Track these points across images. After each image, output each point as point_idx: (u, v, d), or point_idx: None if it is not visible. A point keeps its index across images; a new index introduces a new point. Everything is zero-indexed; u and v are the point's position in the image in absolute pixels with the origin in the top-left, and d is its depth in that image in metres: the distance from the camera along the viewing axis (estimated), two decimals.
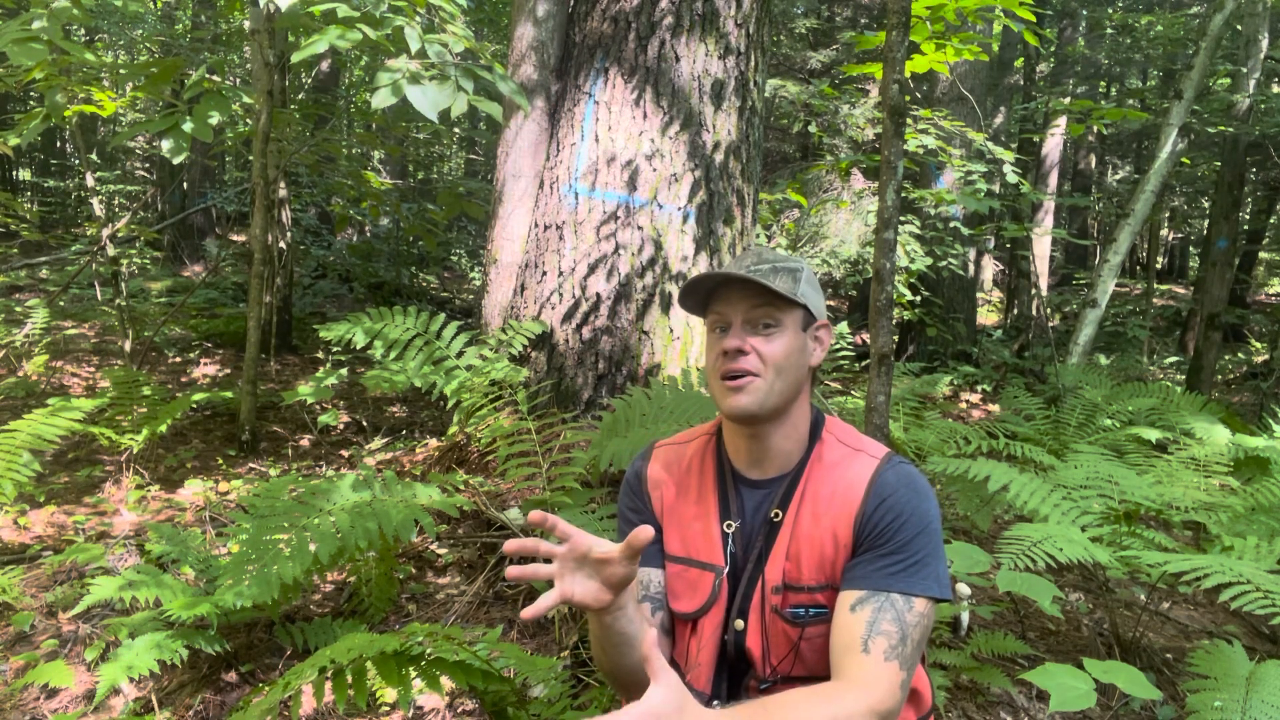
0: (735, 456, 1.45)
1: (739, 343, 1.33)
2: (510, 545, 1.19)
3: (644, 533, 1.15)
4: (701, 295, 1.38)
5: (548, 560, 1.22)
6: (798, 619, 1.35)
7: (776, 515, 1.39)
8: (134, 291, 8.83)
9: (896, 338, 9.22)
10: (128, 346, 5.39)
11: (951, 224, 8.37)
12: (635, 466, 1.55)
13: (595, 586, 1.22)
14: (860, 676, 1.23)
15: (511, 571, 1.19)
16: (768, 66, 4.66)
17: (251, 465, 4.43)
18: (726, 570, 1.40)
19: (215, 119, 3.44)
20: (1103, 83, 15.43)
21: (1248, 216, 13.40)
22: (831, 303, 11.67)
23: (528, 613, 1.14)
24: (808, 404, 1.43)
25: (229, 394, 4.66)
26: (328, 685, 1.72)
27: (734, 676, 1.42)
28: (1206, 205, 15.21)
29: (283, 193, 6.06)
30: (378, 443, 4.71)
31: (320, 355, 7.03)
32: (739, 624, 1.39)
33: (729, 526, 1.42)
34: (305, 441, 4.88)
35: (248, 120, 5.63)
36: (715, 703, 1.38)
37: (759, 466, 1.42)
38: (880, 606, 1.27)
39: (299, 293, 8.92)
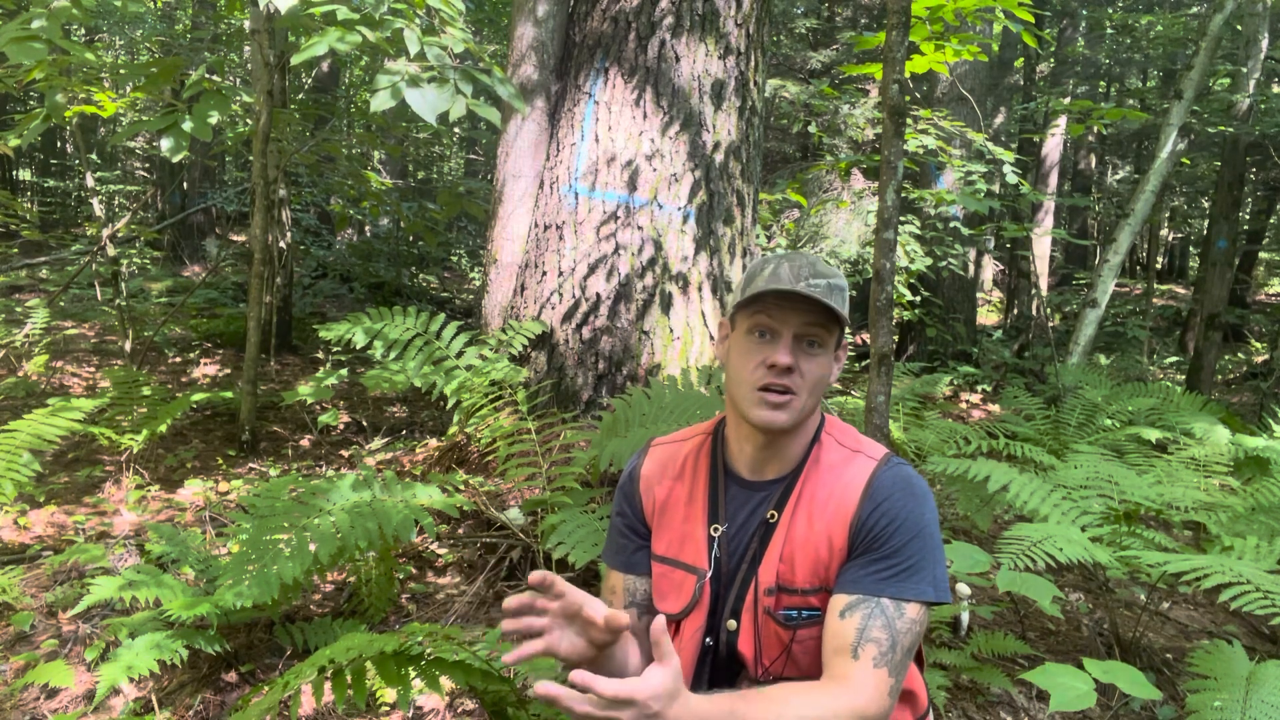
0: (737, 459, 1.44)
1: (790, 359, 1.30)
2: (509, 603, 1.21)
3: (621, 618, 1.18)
4: (759, 295, 1.32)
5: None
6: (790, 621, 1.35)
7: (772, 516, 1.38)
8: (134, 291, 8.82)
9: (896, 338, 9.22)
10: (128, 346, 5.39)
11: (951, 224, 8.37)
12: (631, 465, 1.55)
13: (582, 644, 1.23)
14: (848, 680, 1.23)
15: (508, 658, 1.20)
16: (768, 66, 4.67)
17: (251, 465, 4.43)
18: (710, 574, 1.40)
19: (215, 118, 3.44)
20: (1103, 83, 15.43)
21: (1248, 216, 13.40)
22: None
23: (509, 658, 1.16)
24: (818, 411, 1.44)
25: (229, 394, 4.66)
26: (327, 685, 1.72)
27: (725, 678, 1.42)
28: (1206, 205, 15.22)
29: (283, 193, 6.06)
30: (378, 443, 4.71)
31: (320, 355, 7.03)
32: (731, 624, 1.39)
33: (715, 530, 1.41)
34: (305, 441, 4.88)
35: (248, 120, 5.63)
36: None
37: (761, 470, 1.41)
38: (870, 613, 1.26)
39: (299, 293, 8.92)
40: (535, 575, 1.20)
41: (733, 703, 1.15)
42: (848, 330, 1.44)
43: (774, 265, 1.35)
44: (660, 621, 1.10)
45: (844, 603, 1.28)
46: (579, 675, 1.04)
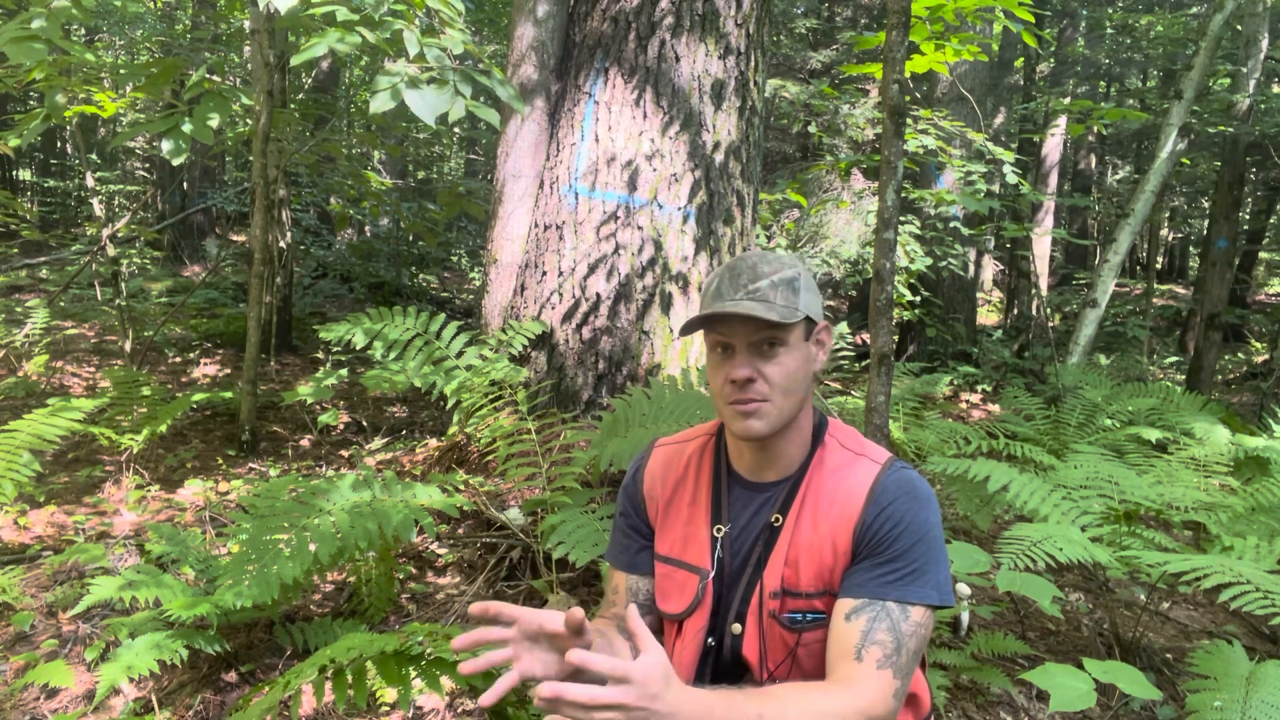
0: (738, 462, 1.45)
1: (748, 371, 1.30)
2: (458, 642, 1.15)
3: (576, 613, 1.14)
4: (701, 320, 1.33)
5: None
6: (795, 624, 1.35)
7: (777, 520, 1.38)
8: (134, 291, 8.83)
9: (896, 338, 9.22)
10: (128, 346, 5.39)
11: (951, 224, 8.37)
12: (634, 465, 1.56)
13: (554, 659, 1.19)
14: (853, 681, 1.23)
15: (464, 667, 1.14)
16: (768, 66, 4.66)
17: (251, 465, 4.43)
18: (712, 575, 1.40)
19: (215, 120, 3.43)
20: (1103, 83, 15.42)
21: (1248, 216, 13.40)
22: (831, 303, 11.68)
23: (485, 699, 1.09)
24: (811, 407, 1.43)
25: (229, 394, 4.65)
26: (328, 685, 1.72)
27: (729, 681, 1.41)
28: (1206, 205, 15.21)
29: (282, 193, 6.06)
30: (378, 443, 4.71)
31: (320, 355, 7.03)
32: (736, 628, 1.39)
33: (719, 531, 1.42)
34: (305, 441, 4.88)
35: (248, 120, 5.63)
36: None
37: (761, 472, 1.42)
38: (875, 616, 1.26)
39: (299, 293, 8.92)
40: (476, 607, 1.16)
41: (732, 695, 1.14)
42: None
43: (718, 281, 1.35)
44: (633, 610, 1.09)
45: (849, 606, 1.29)
46: (575, 655, 1.02)
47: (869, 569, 1.30)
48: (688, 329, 1.34)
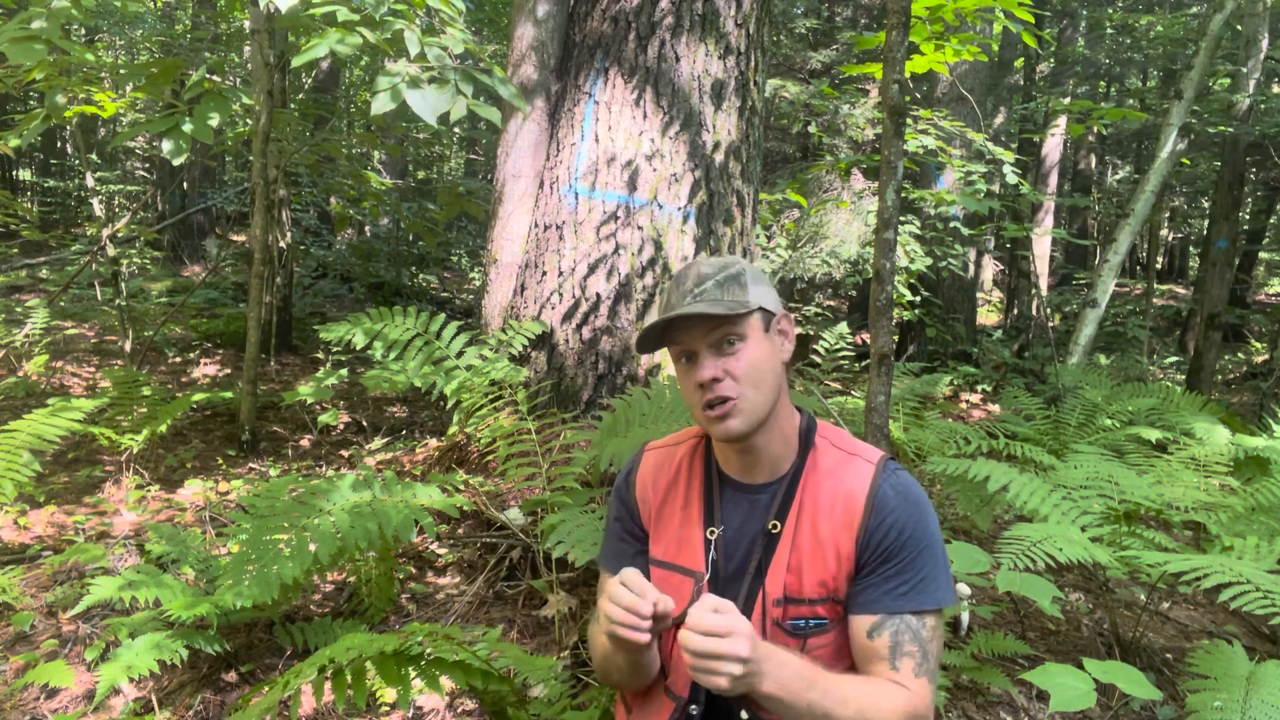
0: (725, 464, 1.45)
1: (713, 371, 1.31)
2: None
3: (667, 602, 1.23)
4: (656, 333, 1.35)
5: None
6: (798, 631, 1.35)
7: (775, 527, 1.38)
8: (134, 291, 8.82)
9: (896, 338, 9.22)
10: (128, 346, 5.39)
11: (951, 224, 8.37)
12: (625, 469, 1.56)
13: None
14: (898, 685, 1.29)
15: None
16: (768, 66, 4.66)
17: (251, 465, 4.43)
18: (707, 577, 1.40)
19: (215, 120, 3.43)
20: (1103, 83, 15.41)
21: (1248, 216, 13.40)
22: (831, 303, 11.68)
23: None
24: (789, 401, 1.43)
25: (229, 394, 4.65)
26: (327, 685, 1.72)
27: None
28: (1206, 205, 15.20)
29: (282, 193, 6.06)
30: (378, 443, 4.71)
31: (320, 355, 7.02)
32: None
33: (711, 533, 1.42)
34: (305, 441, 4.88)
35: (248, 120, 5.62)
36: (693, 707, 1.39)
37: (750, 472, 1.42)
38: (897, 630, 1.30)
39: (299, 293, 8.92)
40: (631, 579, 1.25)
41: (804, 660, 1.24)
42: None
43: (666, 295, 1.37)
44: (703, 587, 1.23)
45: (869, 623, 1.32)
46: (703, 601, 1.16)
47: (879, 583, 1.32)
48: (643, 342, 1.36)
